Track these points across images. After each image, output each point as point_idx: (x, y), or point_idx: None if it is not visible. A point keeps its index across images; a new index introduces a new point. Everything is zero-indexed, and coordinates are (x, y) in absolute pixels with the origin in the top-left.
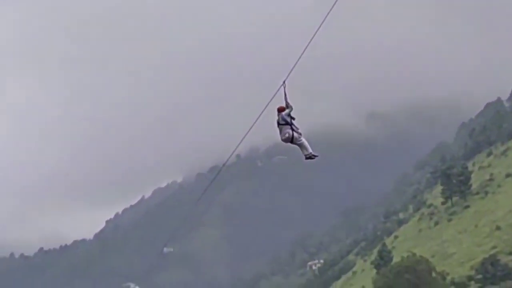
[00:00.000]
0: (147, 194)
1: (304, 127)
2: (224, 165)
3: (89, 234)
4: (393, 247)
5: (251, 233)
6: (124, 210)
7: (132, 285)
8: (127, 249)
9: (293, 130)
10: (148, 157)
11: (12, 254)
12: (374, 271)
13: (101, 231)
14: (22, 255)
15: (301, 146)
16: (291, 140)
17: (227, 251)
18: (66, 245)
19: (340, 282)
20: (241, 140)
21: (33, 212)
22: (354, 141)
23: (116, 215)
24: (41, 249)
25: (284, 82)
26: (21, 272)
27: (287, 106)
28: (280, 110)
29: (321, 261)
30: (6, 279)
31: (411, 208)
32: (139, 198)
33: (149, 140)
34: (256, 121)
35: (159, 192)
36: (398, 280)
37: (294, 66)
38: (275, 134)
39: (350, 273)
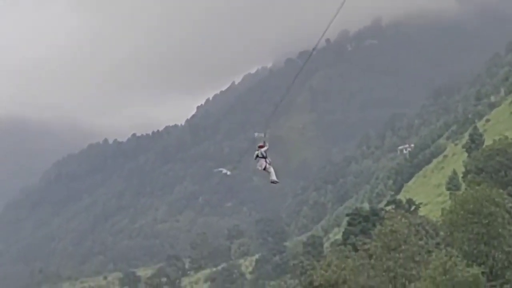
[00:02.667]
0: (237, 80)
1: (395, 11)
2: (314, 49)
3: (180, 120)
4: (485, 130)
5: (340, 116)
6: (215, 96)
7: (223, 169)
8: (217, 134)
9: (266, 162)
10: (238, 43)
11: (105, 140)
12: (465, 154)
13: (192, 116)
14: (115, 140)
15: (269, 173)
16: (264, 169)
17: (316, 134)
18: (158, 131)
19: (431, 166)
20: (329, 24)
21: (126, 99)
22: (445, 22)
23: (207, 101)
24: (133, 135)
25: (264, 135)
26: (114, 157)
27: (265, 144)
28: (260, 147)
29: (412, 145)
30: (100, 164)
31: (502, 91)
32: (229, 84)
33: (239, 26)
34: (343, 3)
35: (249, 78)
36: (489, 163)
37: None
38: (366, 17)
39: (441, 157)
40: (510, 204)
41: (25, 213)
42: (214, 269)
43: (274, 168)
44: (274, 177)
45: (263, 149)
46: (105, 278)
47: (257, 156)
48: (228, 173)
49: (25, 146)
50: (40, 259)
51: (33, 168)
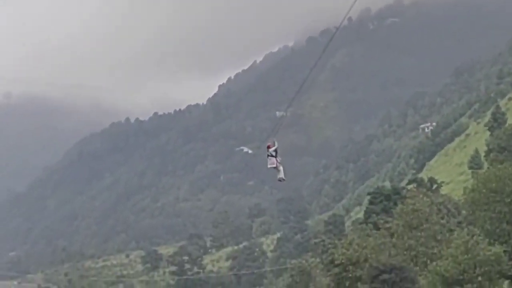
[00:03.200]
0: (259, 58)
1: None
2: (337, 29)
3: (202, 99)
4: (507, 109)
5: (362, 95)
6: (237, 75)
7: (244, 148)
8: (239, 113)
9: (276, 161)
10: (260, 22)
11: (127, 119)
12: (488, 133)
13: (214, 95)
14: (137, 119)
15: (279, 171)
16: (275, 167)
17: (338, 113)
18: (180, 110)
19: (453, 145)
20: (353, 3)
21: (148, 77)
22: (466, 0)
23: (229, 79)
24: (155, 113)
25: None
26: (136, 136)
27: (274, 144)
28: (269, 147)
29: (434, 123)
30: (122, 143)
31: None
32: (251, 63)
33: (261, 5)
34: None
35: (271, 57)
36: None
37: None
38: None
39: (463, 136)
40: None
41: (48, 192)
42: (236, 247)
43: (283, 167)
44: (282, 175)
45: (271, 149)
46: (127, 256)
47: (268, 155)
48: (250, 151)
49: (47, 125)
50: (63, 238)
51: (56, 147)
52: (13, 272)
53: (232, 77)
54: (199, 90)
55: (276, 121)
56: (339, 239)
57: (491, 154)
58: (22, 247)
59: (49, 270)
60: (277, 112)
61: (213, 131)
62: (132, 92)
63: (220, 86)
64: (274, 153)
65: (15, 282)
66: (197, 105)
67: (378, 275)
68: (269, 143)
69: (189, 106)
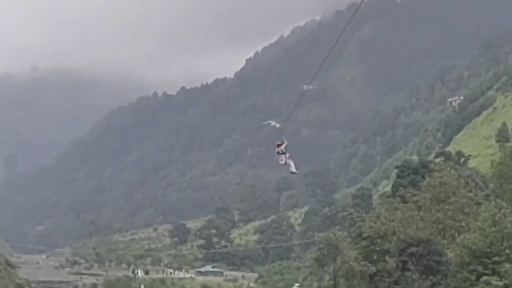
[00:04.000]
0: (286, 32)
1: None
2: (362, 1)
3: (229, 73)
4: None
5: (389, 68)
6: (264, 49)
7: (271, 122)
8: (266, 87)
9: (286, 157)
10: None
11: (155, 93)
12: None
13: (241, 69)
14: (164, 93)
15: (290, 165)
16: (285, 163)
17: (365, 86)
18: (207, 84)
19: (480, 118)
20: None
21: (176, 52)
22: None
23: (256, 53)
24: (183, 87)
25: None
26: (164, 110)
27: (283, 142)
28: (279, 145)
29: (461, 97)
30: (150, 117)
31: None
32: (278, 37)
33: None
34: None
35: (298, 31)
36: None
37: None
38: None
39: (490, 109)
40: None
41: (76, 165)
42: (263, 221)
43: (294, 160)
44: (293, 169)
45: (282, 147)
46: (155, 230)
47: (278, 153)
48: (277, 125)
49: (75, 99)
50: (91, 211)
51: (83, 120)
52: (41, 245)
53: (259, 51)
54: (226, 64)
55: (303, 95)
56: (367, 213)
57: None
58: (50, 221)
59: (77, 244)
60: (304, 86)
61: (240, 105)
62: (159, 66)
63: (247, 60)
64: (284, 150)
65: (44, 256)
66: (224, 79)
67: (406, 248)
68: (278, 142)
69: (216, 80)
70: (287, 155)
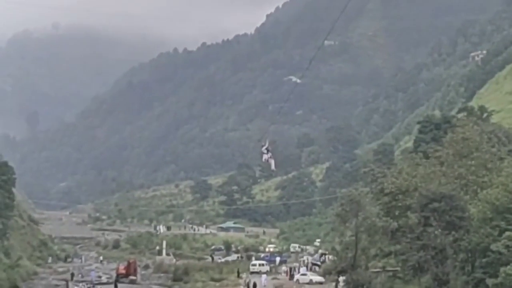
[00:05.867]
0: None
1: None
2: None
3: (250, 29)
4: None
5: (411, 23)
6: (284, 4)
7: (292, 78)
8: (287, 42)
9: (268, 156)
10: None
11: (175, 49)
12: None
13: (262, 25)
14: (185, 49)
15: (270, 164)
16: (267, 161)
17: (387, 41)
18: (228, 40)
19: (503, 72)
20: None
21: (196, 7)
22: None
23: (276, 9)
24: (203, 43)
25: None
26: (184, 66)
27: (266, 143)
28: (263, 146)
29: (484, 51)
30: (171, 73)
31: None
32: None
33: None
34: None
35: None
36: None
37: None
38: None
39: None
40: None
41: (98, 122)
42: (285, 177)
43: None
44: (273, 167)
45: (264, 147)
46: (177, 186)
47: (262, 152)
48: (298, 81)
49: (96, 55)
50: (112, 168)
51: (104, 76)
52: (63, 202)
53: (280, 6)
54: (247, 19)
55: (324, 51)
56: (389, 168)
57: None
58: (72, 177)
59: (99, 200)
60: (326, 41)
61: (261, 61)
62: (179, 22)
63: (268, 16)
64: (265, 150)
65: (66, 212)
66: (245, 34)
67: (428, 204)
68: (262, 143)
69: (237, 36)
70: (269, 154)
